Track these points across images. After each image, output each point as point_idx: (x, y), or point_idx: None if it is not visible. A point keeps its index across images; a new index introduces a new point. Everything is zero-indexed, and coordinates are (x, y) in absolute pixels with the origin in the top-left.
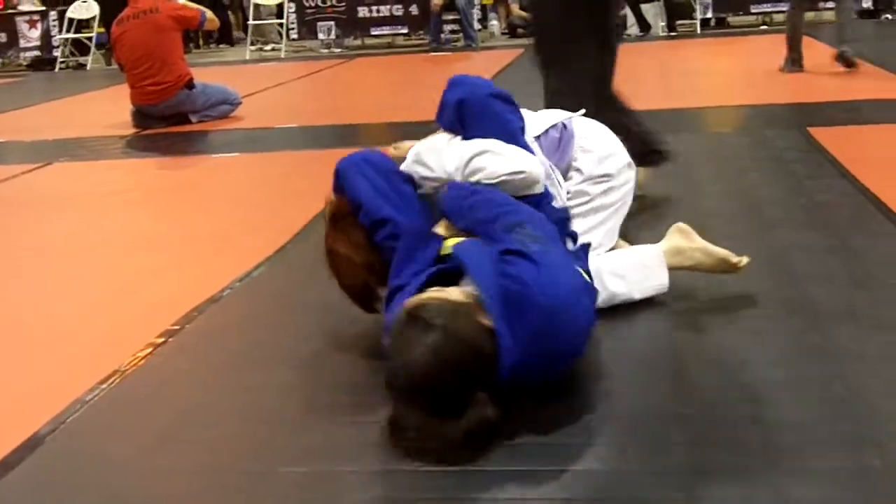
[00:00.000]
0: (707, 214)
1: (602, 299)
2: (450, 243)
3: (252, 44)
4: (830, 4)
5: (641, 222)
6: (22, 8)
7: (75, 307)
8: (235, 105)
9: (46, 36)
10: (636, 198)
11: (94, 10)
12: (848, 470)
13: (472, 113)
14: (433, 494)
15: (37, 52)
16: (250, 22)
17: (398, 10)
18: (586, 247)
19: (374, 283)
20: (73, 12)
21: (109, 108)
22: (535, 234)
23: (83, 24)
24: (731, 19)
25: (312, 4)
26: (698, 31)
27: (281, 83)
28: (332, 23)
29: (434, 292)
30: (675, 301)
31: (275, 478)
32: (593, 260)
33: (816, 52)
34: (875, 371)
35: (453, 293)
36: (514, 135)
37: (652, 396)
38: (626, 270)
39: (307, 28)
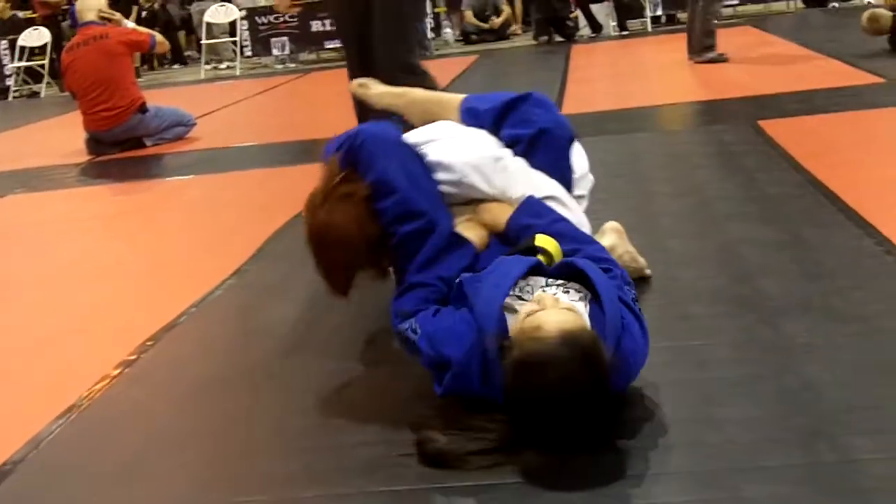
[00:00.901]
0: (658, 213)
1: None
2: (549, 244)
3: (207, 62)
4: None
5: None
6: None
7: (29, 341)
8: (190, 126)
9: None
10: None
11: (45, 37)
12: (802, 466)
13: (547, 146)
14: None
15: None
16: (203, 41)
17: None
18: None
19: (364, 262)
20: (25, 40)
21: (63, 136)
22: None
23: (35, 52)
24: (682, 16)
25: (265, 21)
26: (649, 28)
27: (236, 101)
28: (286, 38)
29: (568, 308)
30: None
31: None
32: None
33: (766, 43)
34: (827, 363)
35: (584, 317)
36: (569, 189)
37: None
38: None
39: (261, 44)
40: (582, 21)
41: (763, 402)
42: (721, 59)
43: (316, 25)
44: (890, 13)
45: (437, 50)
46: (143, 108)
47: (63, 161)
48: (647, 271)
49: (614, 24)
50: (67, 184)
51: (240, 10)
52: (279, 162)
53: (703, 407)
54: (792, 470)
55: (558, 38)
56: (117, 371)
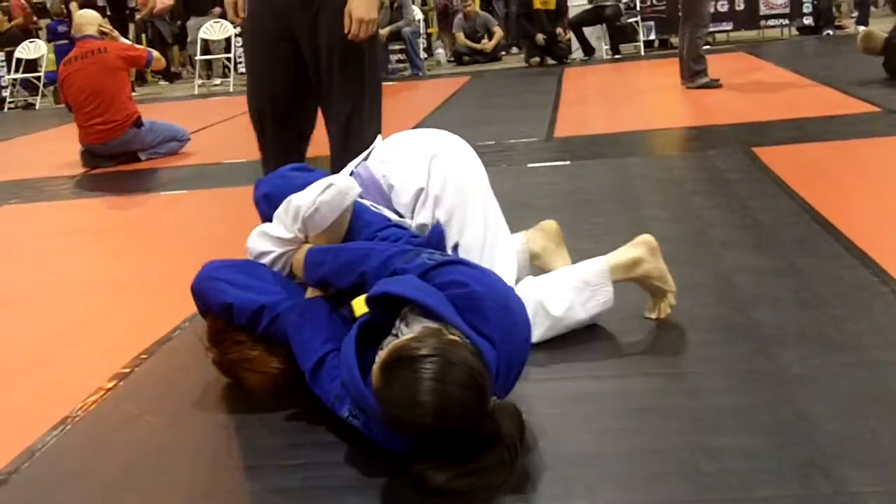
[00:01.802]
0: None
1: (548, 326)
2: (358, 302)
3: (199, 78)
4: (773, 22)
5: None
6: None
7: (24, 353)
8: (184, 141)
9: None
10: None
11: (41, 49)
12: (797, 497)
13: (276, 199)
14: None
15: None
16: (198, 57)
17: None
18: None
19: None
20: (21, 52)
21: (59, 148)
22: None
23: (31, 64)
24: (674, 40)
25: None
26: (642, 52)
27: (229, 117)
28: None
29: (395, 340)
30: (621, 327)
31: None
32: (534, 284)
33: (760, 69)
34: (821, 393)
35: (413, 330)
36: (305, 184)
37: (599, 428)
38: (568, 293)
39: None
40: (574, 44)
41: (757, 432)
42: (714, 85)
43: None
44: (883, 34)
45: (429, 70)
46: (138, 123)
47: (58, 173)
48: (672, 298)
49: (607, 47)
50: (62, 196)
51: (234, 26)
52: None
53: (697, 435)
54: (786, 501)
55: (550, 61)
56: (111, 384)
